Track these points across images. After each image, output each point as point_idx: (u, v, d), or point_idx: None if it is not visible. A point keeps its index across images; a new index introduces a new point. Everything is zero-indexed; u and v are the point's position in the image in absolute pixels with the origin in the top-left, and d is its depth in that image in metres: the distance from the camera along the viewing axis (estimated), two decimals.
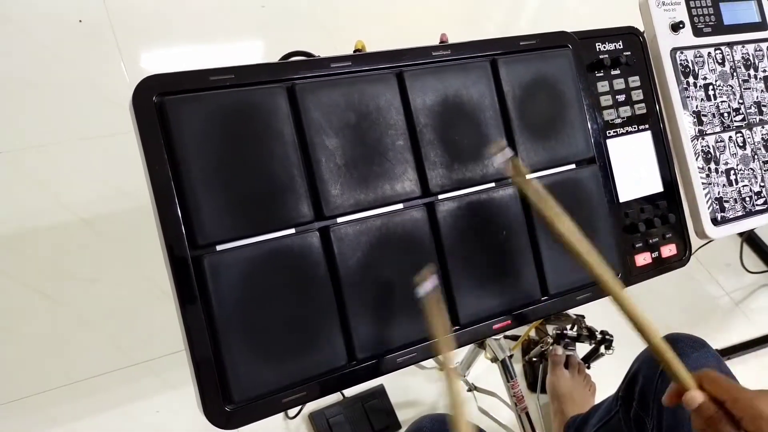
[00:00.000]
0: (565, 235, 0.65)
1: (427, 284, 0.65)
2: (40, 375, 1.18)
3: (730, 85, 0.95)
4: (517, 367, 1.43)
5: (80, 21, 1.45)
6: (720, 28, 0.96)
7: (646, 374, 0.89)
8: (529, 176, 0.78)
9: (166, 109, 0.60)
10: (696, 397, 0.59)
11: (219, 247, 0.62)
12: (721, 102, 0.94)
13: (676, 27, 0.91)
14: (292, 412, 1.25)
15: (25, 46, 1.38)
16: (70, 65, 1.41)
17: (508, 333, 1.31)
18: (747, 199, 0.94)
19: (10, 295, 1.22)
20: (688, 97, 0.91)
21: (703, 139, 0.92)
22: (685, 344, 0.87)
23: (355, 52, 0.84)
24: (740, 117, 0.95)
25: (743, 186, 0.94)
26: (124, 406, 1.20)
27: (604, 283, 0.64)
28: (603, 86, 0.86)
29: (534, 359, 1.40)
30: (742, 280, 1.81)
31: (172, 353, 1.25)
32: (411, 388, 1.35)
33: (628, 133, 0.87)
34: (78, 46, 1.43)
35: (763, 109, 0.97)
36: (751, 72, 0.97)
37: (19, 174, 1.30)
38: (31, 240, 1.26)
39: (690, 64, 0.92)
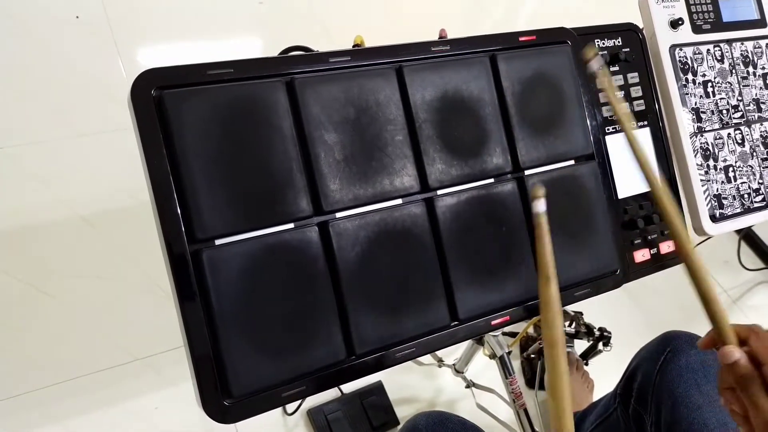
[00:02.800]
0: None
1: (541, 203, 0.67)
2: (39, 371, 1.17)
3: (729, 82, 0.95)
4: (516, 364, 1.43)
5: (77, 17, 1.44)
6: (719, 25, 0.96)
7: (645, 371, 0.89)
8: (531, 171, 0.78)
9: (165, 103, 0.60)
10: (733, 352, 0.55)
11: (218, 242, 0.62)
12: (720, 99, 0.94)
13: (675, 24, 0.91)
14: (290, 408, 1.25)
15: (23, 42, 1.38)
16: (68, 61, 1.40)
17: (506, 330, 1.31)
18: (745, 196, 0.94)
19: (7, 291, 1.21)
20: (687, 94, 0.91)
21: (701, 135, 0.92)
22: (684, 341, 0.87)
23: (354, 47, 0.84)
24: (739, 114, 0.95)
25: (742, 183, 0.94)
26: (122, 402, 1.20)
27: (672, 219, 0.64)
28: (602, 82, 0.86)
29: (532, 356, 1.40)
30: (740, 278, 1.82)
31: (170, 350, 1.25)
32: (409, 385, 1.36)
33: None
34: (75, 41, 1.42)
35: (762, 106, 0.98)
36: (750, 69, 0.97)
37: (17, 170, 1.29)
38: (30, 236, 1.26)
39: (689, 61, 0.92)
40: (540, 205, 0.68)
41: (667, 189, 0.66)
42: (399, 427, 1.26)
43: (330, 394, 1.28)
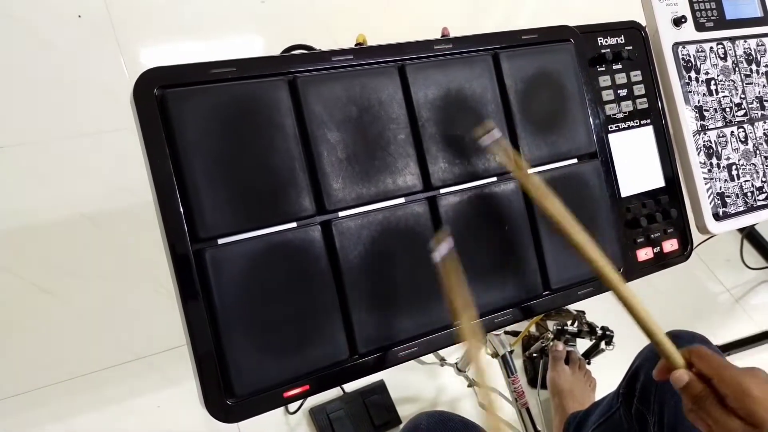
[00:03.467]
0: (554, 214, 0.66)
1: (443, 247, 0.64)
2: (41, 370, 1.17)
3: (732, 80, 0.95)
4: (518, 363, 1.43)
5: (79, 16, 1.44)
6: (722, 23, 0.95)
7: (648, 370, 0.88)
8: (530, 170, 0.78)
9: (168, 102, 0.60)
10: (682, 375, 0.58)
11: (221, 241, 0.62)
12: (723, 97, 0.94)
13: (678, 21, 0.91)
14: (292, 407, 1.25)
15: (25, 42, 1.38)
16: (70, 60, 1.40)
17: (508, 328, 1.31)
18: (749, 194, 0.94)
19: (10, 290, 1.21)
20: (690, 91, 0.91)
21: (704, 134, 0.92)
22: (685, 340, 0.87)
23: (356, 45, 0.84)
24: (742, 112, 0.95)
25: (745, 181, 0.94)
26: (125, 401, 1.20)
27: (597, 265, 0.64)
28: (605, 81, 0.86)
29: (534, 355, 1.40)
30: (742, 276, 1.81)
31: (172, 348, 1.25)
32: (411, 384, 1.35)
33: (630, 127, 0.87)
34: (78, 41, 1.42)
35: (765, 104, 0.97)
36: (753, 67, 0.97)
37: (19, 169, 1.29)
38: (32, 236, 1.26)
39: (692, 59, 0.92)
40: (440, 251, 0.65)
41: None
42: (400, 426, 1.26)
43: (332, 393, 1.28)
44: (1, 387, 1.15)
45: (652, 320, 0.61)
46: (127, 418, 1.18)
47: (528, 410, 1.16)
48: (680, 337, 0.87)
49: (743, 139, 0.95)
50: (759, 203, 0.95)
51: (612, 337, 1.28)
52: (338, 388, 1.26)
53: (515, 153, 0.72)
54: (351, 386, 1.30)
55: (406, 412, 1.31)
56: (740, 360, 1.58)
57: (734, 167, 0.93)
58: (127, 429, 1.18)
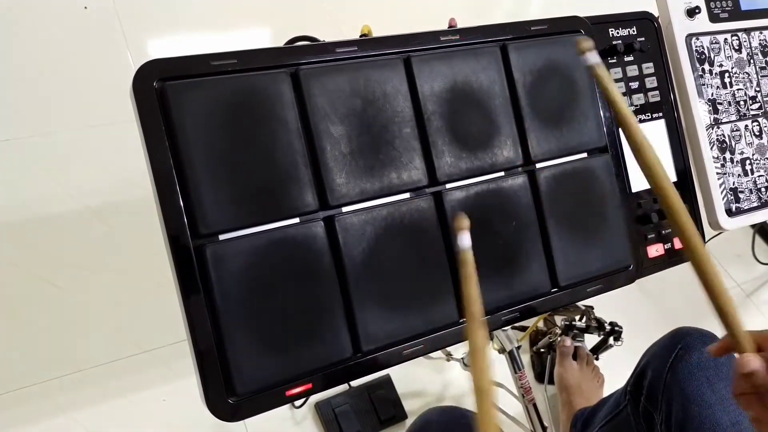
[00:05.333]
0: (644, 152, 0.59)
1: (467, 237, 0.59)
2: (46, 363, 1.18)
3: (746, 73, 0.93)
4: (525, 358, 1.42)
5: (85, 7, 1.43)
6: (737, 14, 0.93)
7: (655, 368, 0.87)
8: (542, 164, 0.76)
9: (167, 94, 0.59)
10: (751, 361, 0.52)
11: (222, 237, 0.61)
12: (737, 90, 0.92)
13: (691, 12, 0.88)
14: (298, 401, 1.24)
15: (31, 33, 1.37)
16: (76, 52, 1.39)
17: (515, 324, 1.30)
18: (763, 189, 0.92)
19: (15, 283, 1.21)
20: (704, 84, 0.89)
21: (718, 127, 0.90)
22: (695, 338, 0.85)
23: (361, 36, 0.83)
24: (757, 105, 0.93)
25: (759, 176, 0.92)
26: (129, 394, 1.20)
27: (680, 220, 0.58)
28: (616, 73, 0.84)
29: (542, 350, 1.39)
30: (753, 272, 1.79)
31: (177, 342, 1.25)
32: (418, 379, 1.35)
33: (641, 121, 0.85)
34: (83, 32, 1.41)
35: None
36: None
37: (25, 162, 1.29)
38: (38, 228, 1.26)
39: (705, 51, 0.90)
40: (465, 239, 0.60)
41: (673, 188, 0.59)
42: (409, 420, 1.25)
43: (338, 388, 1.28)
44: (6, 380, 1.15)
45: (726, 291, 0.55)
46: (132, 410, 1.18)
47: (535, 406, 1.15)
48: (689, 335, 0.86)
49: (758, 133, 0.92)
50: None
51: (621, 332, 1.27)
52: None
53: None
54: (357, 381, 1.29)
55: (412, 406, 1.30)
56: None
57: (748, 162, 0.91)
58: (131, 422, 1.18)
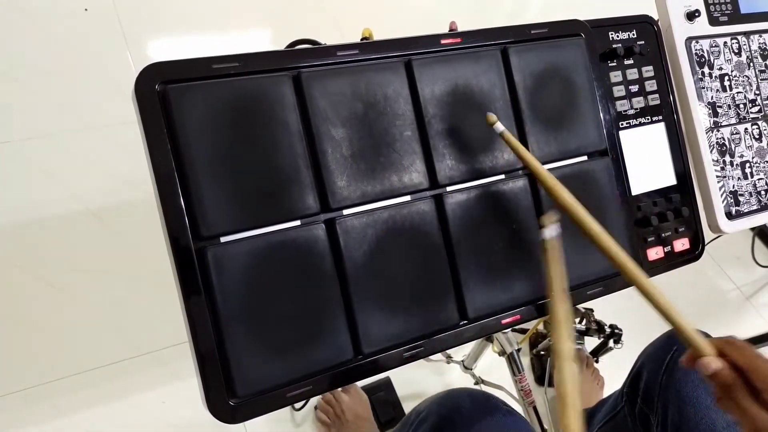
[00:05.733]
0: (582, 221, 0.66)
1: (553, 228, 0.66)
2: (47, 365, 1.18)
3: (746, 76, 0.93)
4: (525, 361, 1.42)
5: (86, 9, 1.43)
6: (737, 17, 0.93)
7: (651, 370, 0.87)
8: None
9: (169, 97, 0.59)
10: (710, 363, 0.57)
11: (223, 239, 0.61)
12: (737, 93, 0.92)
13: (691, 16, 0.89)
14: (298, 404, 1.24)
15: (32, 35, 1.37)
16: (77, 53, 1.40)
17: (516, 327, 1.30)
18: (762, 192, 0.92)
19: (16, 284, 1.21)
20: (703, 87, 0.89)
21: (718, 131, 0.90)
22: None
23: (362, 40, 0.83)
24: (756, 108, 0.93)
25: (758, 179, 0.92)
26: (129, 396, 1.20)
27: (619, 261, 0.64)
28: (616, 76, 0.84)
29: (542, 353, 1.39)
30: (753, 274, 1.79)
31: (178, 344, 1.25)
32: (417, 381, 1.35)
33: (641, 124, 0.86)
34: (84, 34, 1.42)
35: None
36: None
37: (26, 163, 1.29)
38: (38, 230, 1.26)
39: (705, 54, 0.90)
40: (552, 230, 0.67)
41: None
42: (426, 402, 1.22)
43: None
44: (7, 382, 1.15)
45: (675, 309, 0.61)
46: (132, 412, 1.18)
47: (535, 408, 1.15)
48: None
49: (757, 137, 0.93)
50: None
51: (620, 335, 1.27)
52: None
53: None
54: (356, 382, 1.29)
55: (411, 409, 1.30)
56: None
57: (748, 165, 0.91)
58: (131, 424, 1.18)
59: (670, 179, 0.87)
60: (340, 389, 1.19)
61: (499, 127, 0.70)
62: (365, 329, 0.65)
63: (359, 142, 0.66)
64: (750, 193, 0.91)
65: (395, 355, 0.68)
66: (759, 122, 0.93)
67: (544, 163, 0.76)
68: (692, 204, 0.88)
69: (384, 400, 1.29)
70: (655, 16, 0.90)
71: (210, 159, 0.60)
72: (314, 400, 1.26)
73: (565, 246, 0.70)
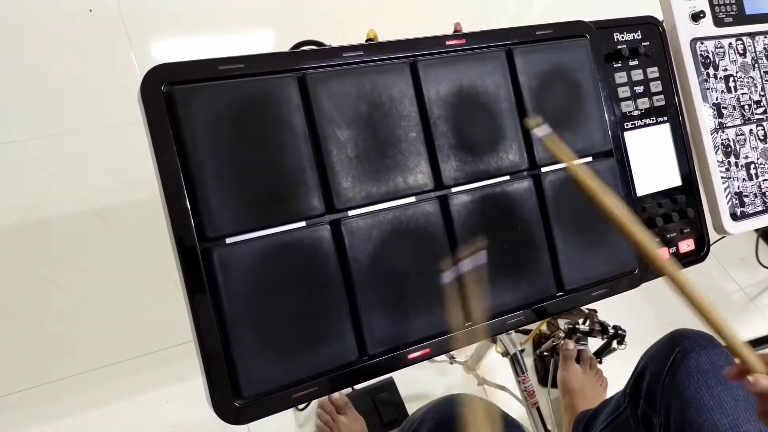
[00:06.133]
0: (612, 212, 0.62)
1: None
2: (51, 365, 1.18)
3: (751, 77, 0.93)
4: (528, 362, 1.42)
5: (90, 10, 1.44)
6: (741, 18, 0.93)
7: (653, 371, 0.87)
8: (547, 168, 0.76)
9: (175, 98, 0.59)
10: (760, 380, 0.54)
11: (228, 240, 0.61)
12: (742, 94, 0.92)
13: (696, 17, 0.89)
14: (301, 404, 1.24)
15: (36, 36, 1.38)
16: (81, 55, 1.40)
17: (520, 327, 1.30)
18: (767, 193, 0.92)
19: (20, 284, 1.22)
20: (708, 88, 0.89)
21: (722, 132, 0.90)
22: (694, 341, 0.85)
23: (367, 41, 0.83)
24: (761, 109, 0.93)
25: (763, 180, 0.92)
26: (133, 396, 1.20)
27: (658, 261, 0.59)
28: (621, 77, 0.84)
29: (545, 353, 1.39)
30: (757, 275, 1.79)
31: (182, 344, 1.25)
32: (420, 382, 1.35)
33: (646, 125, 0.85)
34: (88, 35, 1.42)
35: None
36: None
37: (31, 163, 1.29)
38: (43, 230, 1.26)
39: (710, 55, 0.90)
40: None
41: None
42: (421, 409, 1.21)
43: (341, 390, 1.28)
44: (11, 382, 1.15)
45: (725, 323, 0.57)
46: (135, 412, 1.19)
47: (538, 409, 1.15)
48: (687, 338, 0.86)
49: (762, 138, 0.93)
50: None
51: (624, 336, 1.27)
52: None
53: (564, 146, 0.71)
54: (360, 383, 1.29)
55: (414, 409, 1.30)
56: None
57: (753, 166, 0.91)
58: (135, 424, 1.18)
59: (675, 180, 0.87)
60: (337, 410, 1.19)
61: (545, 129, 0.70)
62: (370, 330, 0.65)
63: (364, 143, 0.66)
64: (755, 194, 0.91)
65: (400, 356, 0.68)
66: (764, 123, 0.93)
67: (549, 164, 0.76)
68: (697, 205, 0.88)
69: (387, 400, 1.29)
70: (660, 17, 0.89)
71: (215, 160, 0.60)
72: (318, 400, 1.26)
73: (569, 245, 0.70)
